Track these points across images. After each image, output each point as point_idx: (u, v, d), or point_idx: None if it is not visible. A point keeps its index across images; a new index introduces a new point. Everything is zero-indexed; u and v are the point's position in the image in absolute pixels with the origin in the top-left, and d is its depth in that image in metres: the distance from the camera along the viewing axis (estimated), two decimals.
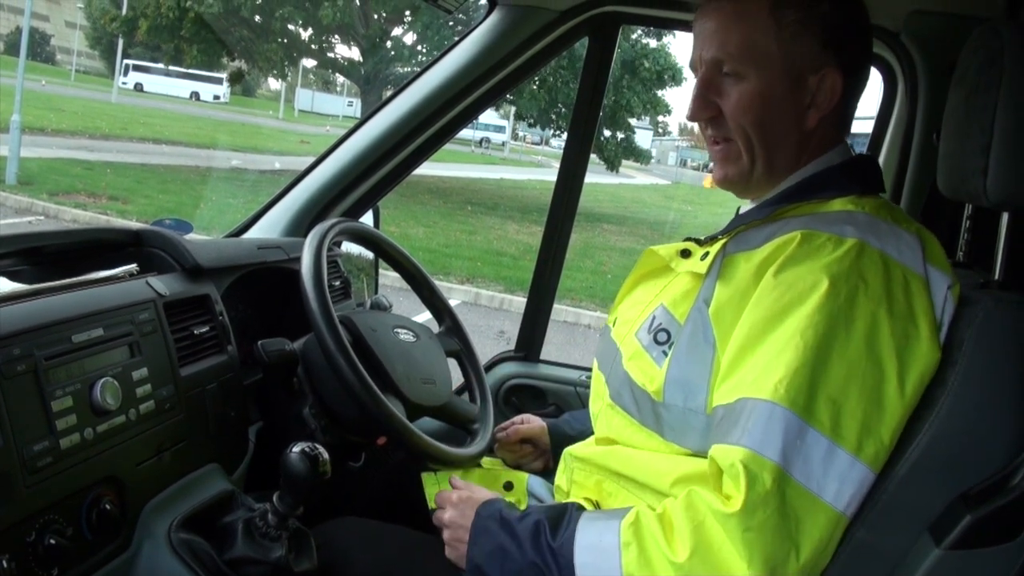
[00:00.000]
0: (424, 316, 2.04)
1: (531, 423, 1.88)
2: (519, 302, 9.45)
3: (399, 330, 1.78)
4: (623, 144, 18.42)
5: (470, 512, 1.37)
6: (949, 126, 1.39)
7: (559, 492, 1.56)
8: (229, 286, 1.71)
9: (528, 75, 2.26)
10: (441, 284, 8.20)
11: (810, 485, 1.13)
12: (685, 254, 1.42)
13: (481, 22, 2.16)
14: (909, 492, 1.19)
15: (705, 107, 1.36)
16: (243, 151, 19.16)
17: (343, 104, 43.36)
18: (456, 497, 1.41)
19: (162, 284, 1.48)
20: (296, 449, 1.34)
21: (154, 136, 19.27)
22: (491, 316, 8.85)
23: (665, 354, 1.32)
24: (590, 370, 2.45)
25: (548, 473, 1.72)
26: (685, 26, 2.19)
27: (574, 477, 1.50)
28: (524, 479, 1.66)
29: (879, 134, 2.15)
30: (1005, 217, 1.35)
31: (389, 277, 2.39)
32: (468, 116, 2.25)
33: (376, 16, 14.83)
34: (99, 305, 1.30)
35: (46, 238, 1.48)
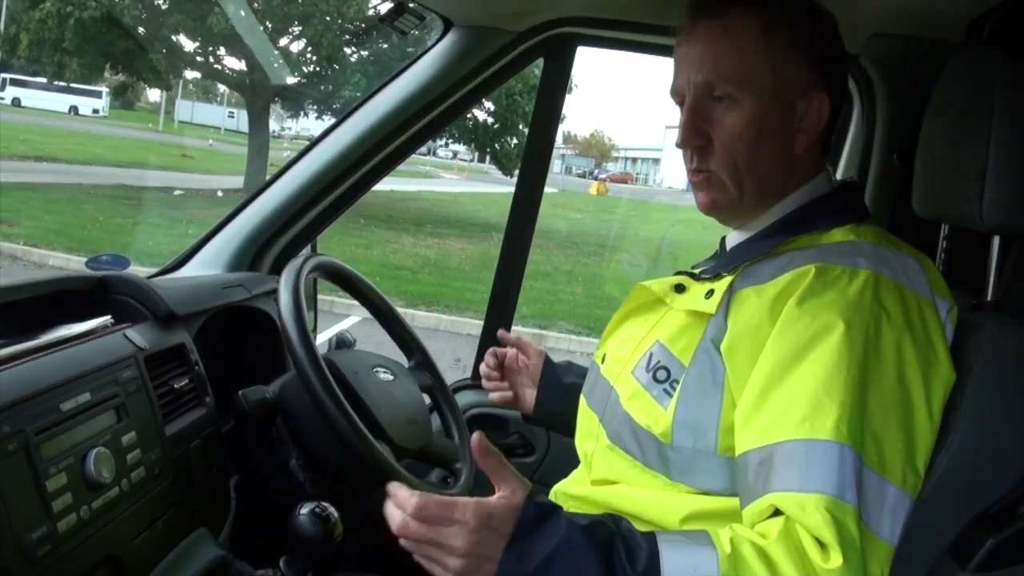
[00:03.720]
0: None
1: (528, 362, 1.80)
2: (422, 317, 9.42)
3: (378, 369, 1.71)
4: (516, 150, 18.59)
5: (510, 519, 1.09)
6: (929, 150, 1.41)
7: None
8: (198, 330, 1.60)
9: (481, 96, 2.22)
10: (340, 301, 8.07)
11: (871, 524, 1.10)
12: (679, 289, 1.38)
13: (435, 44, 2.10)
14: (930, 516, 1.19)
15: (696, 135, 1.32)
16: (125, 167, 18.45)
17: (224, 115, 42.37)
18: (474, 517, 1.08)
19: (139, 336, 1.37)
20: (305, 511, 1.26)
21: (35, 154, 18.40)
22: None
23: (667, 393, 1.29)
24: None
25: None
26: (641, 48, 2.18)
27: None
28: None
29: (834, 155, 2.18)
30: (996, 240, 1.37)
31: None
32: (420, 139, 2.20)
33: (263, 27, 14.55)
34: (83, 367, 1.20)
35: (6, 293, 1.35)
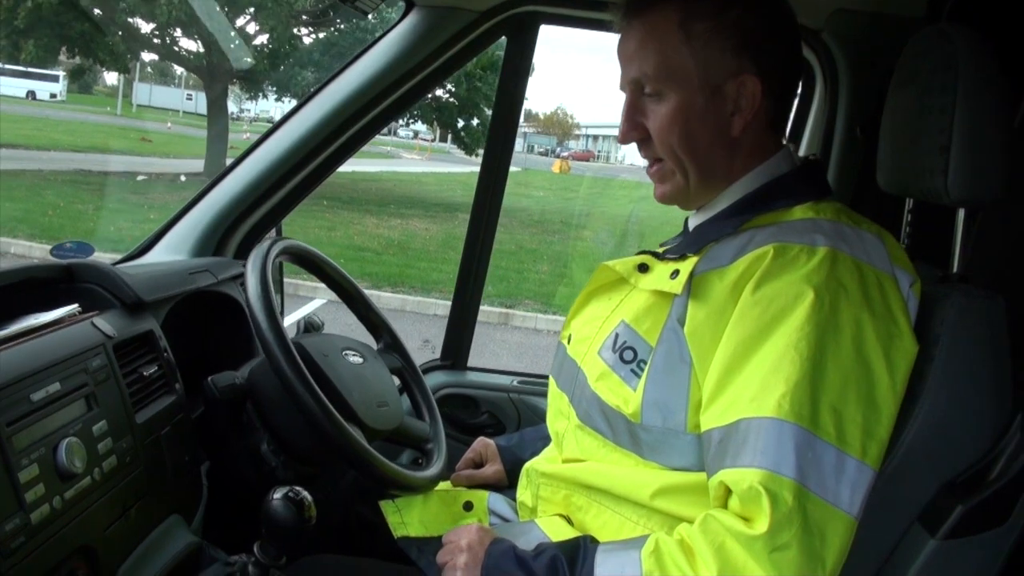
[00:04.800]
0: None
1: (485, 470, 1.79)
2: (387, 298, 9.38)
3: (348, 352, 1.70)
4: (480, 130, 18.45)
5: (480, 551, 1.31)
6: (894, 125, 1.42)
7: (523, 509, 1.53)
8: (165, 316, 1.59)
9: (445, 77, 2.21)
10: (305, 284, 7.99)
11: (826, 496, 1.12)
12: (643, 268, 1.39)
13: (396, 24, 2.08)
14: (899, 486, 1.23)
15: (633, 129, 1.37)
16: (85, 151, 18.05)
17: (181, 97, 41.69)
18: (465, 542, 1.34)
19: (107, 324, 1.35)
20: (278, 495, 1.25)
21: None
22: None
23: (635, 374, 1.30)
24: (522, 375, 2.43)
25: (503, 490, 1.68)
26: (605, 26, 2.17)
27: (540, 493, 1.47)
28: (484, 498, 1.62)
29: (797, 129, 2.20)
30: (961, 213, 1.39)
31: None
32: (384, 121, 2.18)
33: (219, 8, 14.32)
34: (52, 356, 1.19)
35: None
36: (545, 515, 1.46)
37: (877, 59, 1.87)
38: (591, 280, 1.50)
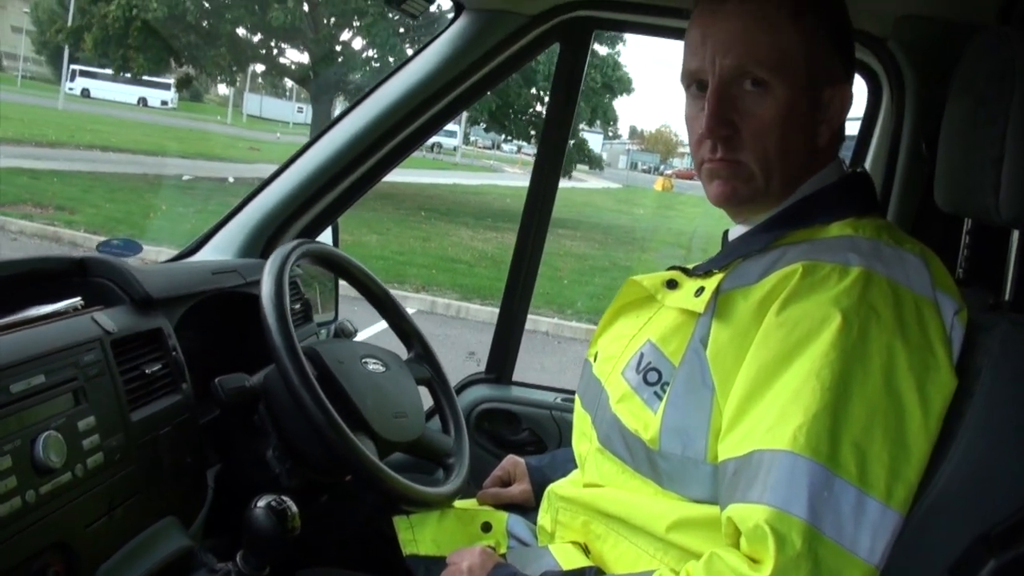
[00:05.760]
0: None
1: (512, 489, 1.73)
2: (475, 310, 9.40)
3: (368, 360, 1.67)
4: (575, 148, 18.52)
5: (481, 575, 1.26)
6: (950, 137, 1.32)
7: (543, 533, 1.47)
8: (182, 315, 1.58)
9: (497, 82, 2.17)
10: (396, 292, 8.12)
11: (843, 541, 1.03)
12: (671, 285, 1.31)
13: (447, 28, 2.06)
14: (928, 533, 1.11)
15: (723, 124, 1.22)
16: (191, 158, 18.73)
17: (292, 110, 43.01)
18: (467, 565, 1.30)
19: (109, 319, 1.35)
20: (261, 504, 1.22)
21: (101, 143, 18.79)
22: (447, 324, 8.72)
23: (658, 396, 1.22)
24: (566, 392, 2.36)
25: (528, 512, 1.61)
26: (659, 31, 2.11)
27: (559, 518, 1.41)
28: (503, 520, 1.56)
29: (863, 143, 2.09)
30: (1015, 235, 1.27)
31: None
32: (434, 126, 2.15)
33: (325, 21, 14.70)
34: (40, 348, 1.18)
35: None
36: (563, 541, 1.40)
37: (946, 70, 1.75)
38: (619, 296, 1.43)
